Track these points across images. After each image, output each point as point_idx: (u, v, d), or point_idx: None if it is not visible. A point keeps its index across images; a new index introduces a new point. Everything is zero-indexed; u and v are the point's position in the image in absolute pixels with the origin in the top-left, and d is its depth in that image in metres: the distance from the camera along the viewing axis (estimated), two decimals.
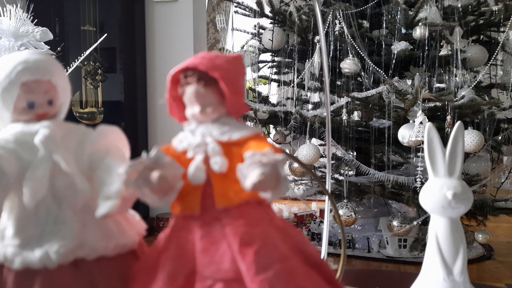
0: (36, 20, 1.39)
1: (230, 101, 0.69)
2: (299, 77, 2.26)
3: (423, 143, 1.39)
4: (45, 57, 0.75)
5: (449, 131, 1.75)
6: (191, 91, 0.69)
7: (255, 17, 2.43)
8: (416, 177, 1.87)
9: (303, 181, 2.58)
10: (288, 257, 0.65)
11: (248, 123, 2.38)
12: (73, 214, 0.69)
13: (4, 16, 1.33)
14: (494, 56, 1.99)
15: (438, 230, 0.86)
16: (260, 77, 2.66)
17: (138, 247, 0.75)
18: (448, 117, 1.80)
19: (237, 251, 0.63)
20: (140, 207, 0.73)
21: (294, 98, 2.44)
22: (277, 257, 0.64)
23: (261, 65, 2.58)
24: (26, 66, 0.71)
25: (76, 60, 1.56)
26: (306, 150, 2.10)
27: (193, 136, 0.70)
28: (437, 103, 1.87)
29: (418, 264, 0.93)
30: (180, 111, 0.73)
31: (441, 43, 1.96)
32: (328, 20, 2.07)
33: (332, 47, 2.09)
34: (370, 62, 2.01)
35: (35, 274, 0.65)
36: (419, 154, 1.84)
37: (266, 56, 2.60)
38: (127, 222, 0.76)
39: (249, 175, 0.60)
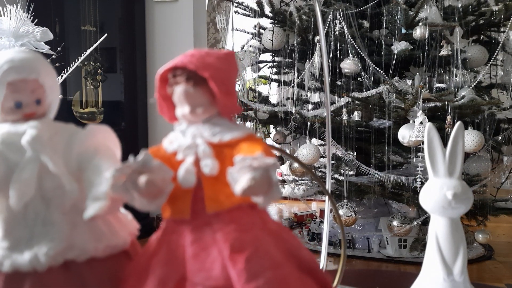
0: (36, 20, 1.40)
1: (221, 101, 0.66)
2: (299, 77, 2.26)
3: (423, 143, 1.39)
4: (32, 56, 0.73)
5: (449, 131, 1.75)
6: (180, 91, 0.66)
7: (255, 17, 2.43)
8: (416, 177, 1.87)
9: (303, 181, 2.58)
10: (280, 263, 0.63)
11: (248, 123, 2.38)
12: (61, 215, 0.68)
13: (4, 16, 1.33)
14: (494, 56, 1.99)
15: (438, 230, 0.86)
16: (260, 77, 2.66)
17: (131, 248, 0.74)
18: (448, 117, 1.80)
19: (227, 257, 0.61)
20: None
21: (294, 98, 2.44)
22: (268, 264, 0.61)
23: (261, 65, 2.58)
24: (12, 65, 0.70)
25: (76, 60, 1.56)
26: (306, 150, 2.10)
27: (184, 137, 0.68)
28: (437, 103, 1.87)
29: (418, 264, 0.93)
30: (170, 110, 0.70)
31: (441, 43, 1.96)
32: (328, 20, 2.07)
33: (332, 47, 2.09)
34: (370, 62, 2.01)
35: (24, 277, 0.64)
36: (419, 154, 1.84)
37: (266, 56, 2.60)
38: (118, 222, 0.74)
39: (240, 179, 0.58)
